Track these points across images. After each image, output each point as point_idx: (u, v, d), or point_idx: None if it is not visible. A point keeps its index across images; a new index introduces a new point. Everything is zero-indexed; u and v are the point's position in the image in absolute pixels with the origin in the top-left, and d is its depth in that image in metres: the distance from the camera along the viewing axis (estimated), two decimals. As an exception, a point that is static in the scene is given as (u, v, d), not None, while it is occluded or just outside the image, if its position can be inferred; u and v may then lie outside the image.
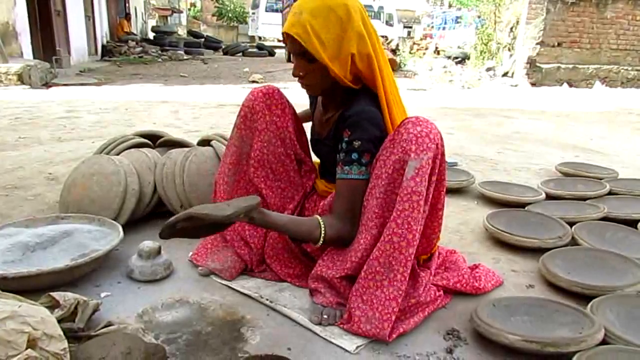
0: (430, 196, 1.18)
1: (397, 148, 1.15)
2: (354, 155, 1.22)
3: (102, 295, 1.30)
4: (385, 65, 1.27)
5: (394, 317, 1.13)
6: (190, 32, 20.47)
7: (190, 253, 1.51)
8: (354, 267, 1.21)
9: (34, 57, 7.99)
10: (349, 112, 1.25)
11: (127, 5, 18.06)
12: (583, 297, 1.31)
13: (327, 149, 1.37)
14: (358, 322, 1.14)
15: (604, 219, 1.86)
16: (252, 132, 1.42)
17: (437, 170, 1.17)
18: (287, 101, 1.45)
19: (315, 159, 1.53)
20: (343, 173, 1.24)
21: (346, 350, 1.10)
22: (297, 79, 1.29)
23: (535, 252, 1.60)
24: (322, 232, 1.21)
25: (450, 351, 1.11)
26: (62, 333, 0.79)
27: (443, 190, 1.24)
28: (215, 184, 1.50)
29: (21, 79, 6.40)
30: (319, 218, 1.23)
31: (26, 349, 0.71)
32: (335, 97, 1.33)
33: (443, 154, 1.19)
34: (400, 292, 1.14)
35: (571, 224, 1.76)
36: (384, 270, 1.15)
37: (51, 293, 1.07)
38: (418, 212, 1.13)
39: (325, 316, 1.19)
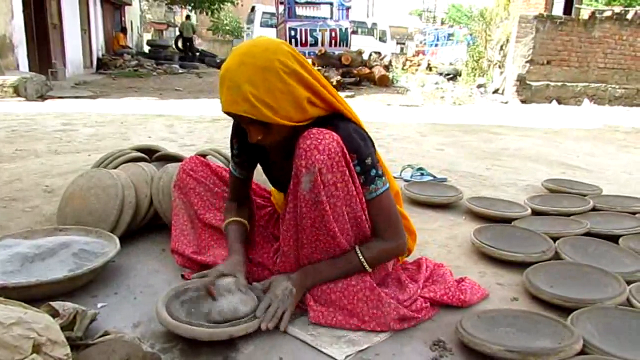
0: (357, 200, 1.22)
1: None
2: (373, 172, 1.24)
3: (99, 305, 1.33)
4: (333, 89, 1.28)
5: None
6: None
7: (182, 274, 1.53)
8: None
9: (30, 70, 8.06)
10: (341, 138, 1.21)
11: (123, 19, 18.22)
12: (564, 310, 1.35)
13: None
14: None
15: (587, 234, 1.92)
16: (188, 193, 1.55)
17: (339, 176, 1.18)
18: (209, 165, 1.59)
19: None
20: (371, 192, 1.25)
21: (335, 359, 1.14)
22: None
23: (520, 266, 1.65)
24: (363, 260, 1.26)
25: (436, 361, 1.16)
26: (65, 339, 0.83)
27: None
28: (174, 252, 1.55)
29: (17, 91, 6.45)
30: (356, 248, 1.27)
31: (31, 353, 0.75)
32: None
33: (341, 161, 1.17)
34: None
35: (555, 239, 1.82)
36: None
37: (51, 303, 1.10)
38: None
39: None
